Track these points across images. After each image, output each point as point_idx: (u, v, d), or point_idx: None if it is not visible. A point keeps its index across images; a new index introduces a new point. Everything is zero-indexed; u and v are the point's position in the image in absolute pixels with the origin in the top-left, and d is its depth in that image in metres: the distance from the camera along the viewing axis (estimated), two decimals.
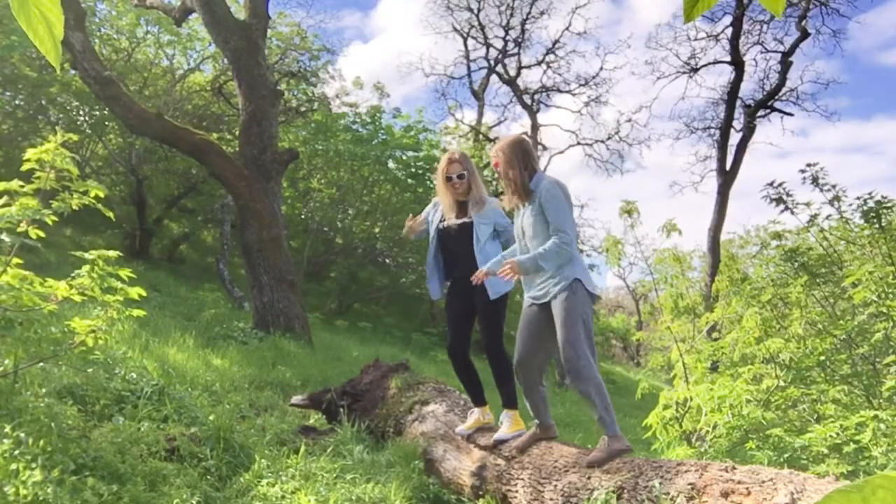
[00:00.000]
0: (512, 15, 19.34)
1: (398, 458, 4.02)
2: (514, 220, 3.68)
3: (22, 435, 2.87)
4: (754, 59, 16.33)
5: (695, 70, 16.15)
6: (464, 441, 4.01)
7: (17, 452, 2.78)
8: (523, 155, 3.54)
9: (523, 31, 19.38)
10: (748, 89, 20.52)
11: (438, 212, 4.17)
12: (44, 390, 3.58)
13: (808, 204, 5.65)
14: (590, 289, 3.44)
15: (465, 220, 4.03)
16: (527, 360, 3.57)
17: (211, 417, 4.05)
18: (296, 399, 5.44)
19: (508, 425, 3.79)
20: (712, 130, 16.13)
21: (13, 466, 2.69)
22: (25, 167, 3.35)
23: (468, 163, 4.10)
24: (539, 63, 19.57)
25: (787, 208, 5.70)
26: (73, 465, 2.94)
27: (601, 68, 19.65)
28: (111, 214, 3.57)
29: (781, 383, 4.63)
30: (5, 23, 10.50)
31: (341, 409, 4.97)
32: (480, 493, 3.66)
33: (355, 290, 17.52)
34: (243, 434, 4.08)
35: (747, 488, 2.37)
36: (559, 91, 19.56)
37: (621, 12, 40.61)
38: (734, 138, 15.36)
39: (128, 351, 5.42)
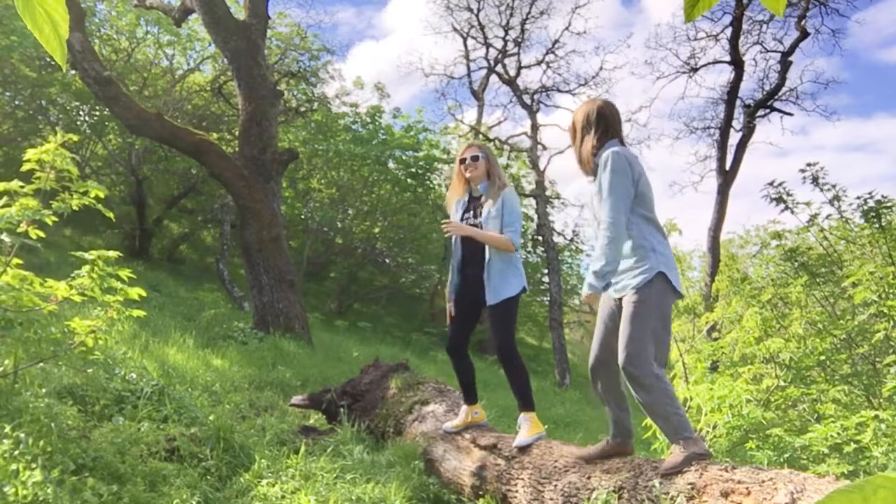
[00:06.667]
0: (512, 15, 19.30)
1: (398, 458, 4.02)
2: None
3: (22, 435, 2.87)
4: (754, 59, 16.34)
5: (694, 70, 16.14)
6: (464, 441, 3.99)
7: (17, 452, 2.78)
8: (597, 119, 2.99)
9: (523, 31, 19.34)
10: (748, 89, 20.53)
11: (458, 212, 4.12)
12: (44, 390, 3.57)
13: (808, 203, 5.66)
14: (675, 284, 2.93)
15: (479, 220, 3.99)
16: (605, 361, 3.11)
17: (211, 417, 4.05)
18: (296, 399, 5.44)
19: (527, 429, 3.66)
20: (712, 130, 16.11)
21: (13, 466, 2.69)
22: (25, 167, 3.35)
23: (486, 150, 4.10)
24: (539, 63, 19.52)
25: (787, 208, 5.71)
26: (73, 466, 2.94)
27: (601, 68, 19.59)
28: (111, 215, 3.57)
29: (781, 383, 4.63)
30: (5, 23, 10.50)
31: (341, 409, 4.97)
32: (480, 493, 3.65)
33: (355, 290, 17.53)
34: (243, 434, 4.08)
35: (747, 488, 2.37)
36: (559, 91, 19.48)
37: (632, 15, 40.44)
38: (734, 138, 15.35)
39: (128, 351, 5.41)
